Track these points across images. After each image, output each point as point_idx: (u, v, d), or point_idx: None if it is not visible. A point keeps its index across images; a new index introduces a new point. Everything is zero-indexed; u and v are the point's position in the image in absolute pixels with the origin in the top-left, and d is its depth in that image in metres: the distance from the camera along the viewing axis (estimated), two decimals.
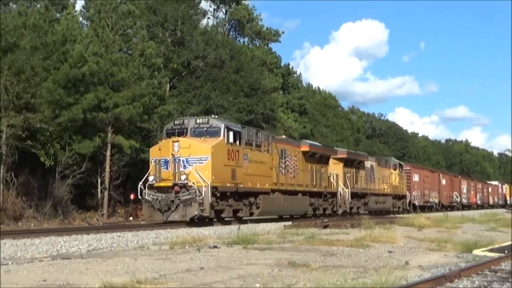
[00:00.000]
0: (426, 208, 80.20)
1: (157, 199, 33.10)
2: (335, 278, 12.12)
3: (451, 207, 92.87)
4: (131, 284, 10.91)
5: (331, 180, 51.22)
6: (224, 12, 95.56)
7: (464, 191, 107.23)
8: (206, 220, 35.16)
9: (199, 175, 32.70)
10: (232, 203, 36.06)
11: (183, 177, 32.81)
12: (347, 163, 54.54)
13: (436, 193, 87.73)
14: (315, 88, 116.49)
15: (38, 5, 73.58)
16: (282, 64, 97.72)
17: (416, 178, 78.06)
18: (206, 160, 33.26)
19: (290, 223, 34.13)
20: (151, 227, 30.17)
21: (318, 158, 48.98)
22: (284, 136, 50.93)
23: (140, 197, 34.51)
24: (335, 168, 52.48)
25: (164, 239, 22.35)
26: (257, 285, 11.17)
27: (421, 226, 31.91)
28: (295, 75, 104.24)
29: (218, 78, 68.98)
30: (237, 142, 36.15)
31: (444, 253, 19.37)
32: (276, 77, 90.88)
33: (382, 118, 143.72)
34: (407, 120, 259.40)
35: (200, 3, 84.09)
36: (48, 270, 13.08)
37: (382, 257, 17.32)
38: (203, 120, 36.02)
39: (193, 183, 32.59)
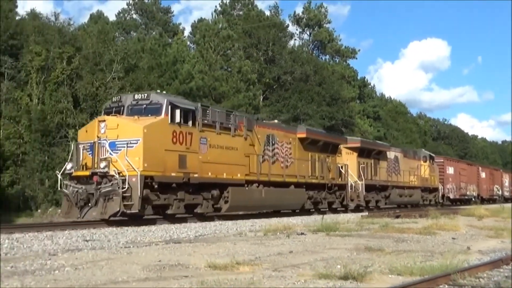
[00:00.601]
0: (462, 201, 67.30)
1: (76, 191, 22.74)
2: (405, 261, 11.94)
3: (492, 200, 79.62)
4: (231, 265, 10.93)
5: (342, 171, 39.99)
6: (308, 34, 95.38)
7: (506, 184, 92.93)
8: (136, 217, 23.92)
9: (128, 161, 22.44)
10: (183, 197, 25.09)
11: (102, 164, 22.58)
12: (363, 153, 43.35)
13: (475, 186, 73.52)
14: (387, 97, 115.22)
15: (154, 32, 74.71)
16: (359, 77, 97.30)
17: (450, 170, 64.48)
18: (136, 143, 22.87)
19: (367, 213, 33.61)
20: (248, 217, 29.95)
21: (322, 147, 37.42)
22: (276, 121, 39.59)
23: (59, 189, 24.74)
24: (348, 159, 41.91)
25: (259, 227, 22.31)
26: (338, 266, 11.07)
27: (480, 216, 31.15)
28: (370, 86, 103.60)
29: (304, 90, 68.91)
30: (189, 123, 25.24)
31: (501, 240, 18.86)
32: (353, 88, 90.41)
33: (446, 122, 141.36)
34: (467, 124, 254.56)
35: (288, 27, 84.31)
36: (163, 252, 13.21)
37: (446, 243, 17.00)
38: (142, 95, 25.60)
39: (116, 172, 22.28)
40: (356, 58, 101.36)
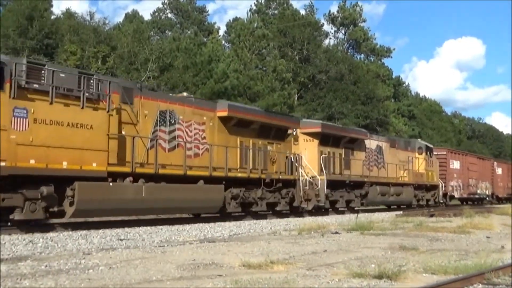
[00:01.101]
0: (472, 201, 58.85)
1: None
2: (440, 260, 11.84)
3: (510, 200, 66.89)
4: (265, 264, 10.91)
5: (294, 162, 30.58)
6: (343, 33, 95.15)
7: None
8: None
9: None
10: None
11: None
12: (326, 140, 34.27)
13: (488, 183, 62.67)
14: (422, 96, 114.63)
15: (189, 32, 75.02)
16: (393, 76, 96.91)
17: (455, 165, 54.28)
18: None
19: (401, 212, 33.46)
20: (282, 216, 29.87)
21: (261, 131, 28.23)
22: (185, 94, 29.39)
23: None
24: (307, 147, 33.35)
25: (293, 226, 22.25)
26: (372, 265, 11.01)
27: None
28: (405, 85, 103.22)
29: (339, 89, 68.76)
30: None
31: None
32: (388, 87, 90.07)
33: (480, 121, 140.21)
34: (502, 123, 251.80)
35: (323, 26, 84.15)
36: (197, 251, 13.22)
37: (481, 242, 16.84)
38: None
39: None
40: (391, 57, 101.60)
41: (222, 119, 25.89)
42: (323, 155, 33.43)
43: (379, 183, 38.66)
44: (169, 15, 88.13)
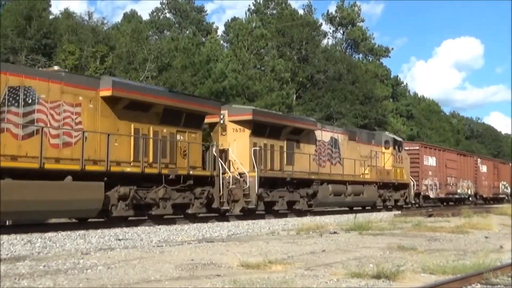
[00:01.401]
0: (451, 201, 54.05)
1: None
2: (438, 260, 11.85)
3: (496, 200, 64.68)
4: (263, 264, 10.91)
5: (217, 156, 25.25)
6: (342, 33, 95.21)
7: None
8: None
9: None
10: None
11: None
12: (261, 130, 28.61)
13: (471, 182, 56.74)
14: (420, 96, 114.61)
15: (187, 31, 75.07)
16: (392, 76, 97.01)
17: (430, 161, 48.13)
18: None
19: (400, 212, 33.49)
20: (281, 216, 29.86)
21: (167, 116, 22.90)
22: (56, 68, 22.80)
23: None
24: (237, 138, 28.07)
25: (291, 225, 22.26)
26: (371, 265, 11.01)
27: None
28: (403, 85, 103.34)
29: (337, 89, 68.80)
30: None
31: None
32: (386, 87, 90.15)
33: (479, 121, 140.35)
34: (501, 122, 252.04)
35: (321, 26, 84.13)
36: (195, 251, 13.22)
37: (479, 242, 16.85)
38: None
39: None
40: (389, 57, 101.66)
41: (107, 100, 20.52)
42: (256, 148, 27.70)
43: (332, 181, 32.94)
44: (168, 15, 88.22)
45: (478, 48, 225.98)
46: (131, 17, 78.03)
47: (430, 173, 47.52)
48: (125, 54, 48.24)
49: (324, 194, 31.87)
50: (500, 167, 68.38)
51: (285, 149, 29.89)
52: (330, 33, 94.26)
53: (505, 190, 68.44)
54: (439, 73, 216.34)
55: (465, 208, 35.29)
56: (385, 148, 40.18)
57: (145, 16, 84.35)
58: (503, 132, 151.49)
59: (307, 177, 30.94)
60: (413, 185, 43.42)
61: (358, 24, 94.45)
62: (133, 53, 48.61)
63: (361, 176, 36.27)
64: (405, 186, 42.42)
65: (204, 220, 24.26)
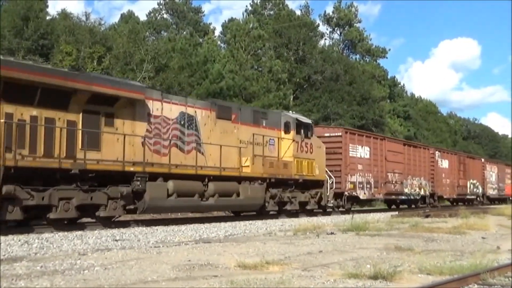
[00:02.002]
0: (394, 203, 46.80)
1: None
2: (435, 261, 11.89)
3: (464, 202, 54.48)
4: (260, 265, 10.93)
5: None
6: (339, 33, 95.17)
7: (492, 179, 64.91)
8: None
9: None
10: None
11: None
12: (23, 93, 18.15)
13: (425, 180, 46.88)
14: (418, 96, 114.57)
15: (184, 32, 75.08)
16: (389, 76, 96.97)
17: (360, 152, 37.91)
18: None
19: (397, 213, 33.38)
20: (277, 216, 29.79)
21: None
22: None
23: None
24: None
25: (288, 226, 22.30)
26: (368, 266, 11.03)
27: (511, 216, 30.88)
28: (400, 86, 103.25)
29: (334, 90, 68.75)
30: None
31: None
32: (383, 88, 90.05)
33: (476, 122, 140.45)
34: (498, 123, 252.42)
35: (318, 26, 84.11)
36: (192, 251, 13.24)
37: (476, 243, 16.88)
38: None
39: None
40: (387, 58, 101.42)
41: None
42: (11, 121, 17.89)
43: (177, 176, 23.45)
44: (165, 15, 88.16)
45: (475, 49, 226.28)
46: (128, 17, 77.95)
47: (360, 167, 37.43)
48: (122, 55, 48.21)
49: (156, 195, 22.31)
50: (469, 162, 58.24)
51: (80, 127, 20.16)
52: (327, 33, 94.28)
53: (475, 190, 58.91)
54: (436, 73, 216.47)
55: (462, 209, 34.73)
56: (285, 132, 29.94)
57: (142, 17, 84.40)
58: (500, 133, 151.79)
59: (121, 169, 21.01)
60: (332, 182, 33.22)
61: (355, 24, 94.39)
62: (130, 53, 48.59)
63: (239, 169, 26.66)
64: (317, 183, 32.33)
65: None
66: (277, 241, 16.05)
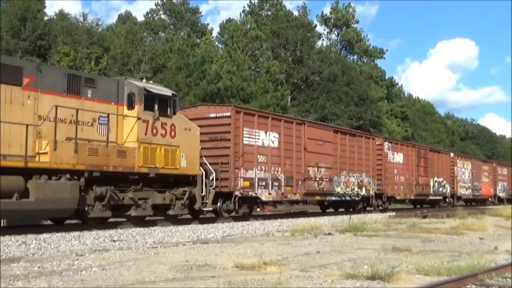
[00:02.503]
0: (321, 206, 38.38)
1: None
2: (433, 261, 11.90)
3: (423, 203, 48.56)
4: (258, 265, 10.94)
5: None
6: (336, 34, 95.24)
7: (465, 177, 55.12)
8: None
9: None
10: None
11: None
12: None
13: (368, 177, 37.79)
14: (415, 97, 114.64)
15: (182, 33, 75.10)
16: (386, 77, 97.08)
17: (265, 140, 28.32)
18: None
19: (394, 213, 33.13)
20: (275, 217, 29.72)
21: None
22: None
23: None
24: None
25: (286, 227, 22.30)
26: (365, 266, 11.04)
27: (508, 216, 30.88)
28: (398, 86, 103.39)
29: (332, 90, 68.79)
30: None
31: None
32: (381, 88, 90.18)
33: (474, 122, 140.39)
34: (495, 124, 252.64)
35: (316, 27, 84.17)
36: (190, 252, 13.24)
37: (474, 243, 16.90)
38: None
39: None
40: (384, 58, 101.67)
41: None
42: None
43: None
44: (162, 16, 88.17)
45: (472, 50, 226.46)
46: (125, 18, 78.02)
47: (261, 159, 28.06)
48: (119, 55, 48.21)
49: None
50: (433, 157, 48.67)
51: None
52: (325, 34, 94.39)
53: (440, 189, 49.56)
54: (434, 74, 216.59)
55: (460, 209, 34.45)
56: (128, 107, 21.31)
57: (140, 17, 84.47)
58: (498, 134, 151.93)
59: None
60: (212, 179, 24.91)
61: (352, 25, 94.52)
62: (127, 54, 48.59)
63: (32, 157, 17.97)
64: (188, 181, 23.67)
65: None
66: (275, 242, 16.04)
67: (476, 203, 60.30)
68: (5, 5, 48.37)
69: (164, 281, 9.40)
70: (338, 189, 33.97)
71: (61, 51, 43.91)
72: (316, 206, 39.12)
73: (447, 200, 50.82)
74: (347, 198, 35.28)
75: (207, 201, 24.60)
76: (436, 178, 47.84)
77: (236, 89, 55.00)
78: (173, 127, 22.62)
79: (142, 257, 12.12)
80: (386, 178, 40.10)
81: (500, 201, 64.17)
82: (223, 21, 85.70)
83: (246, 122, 27.18)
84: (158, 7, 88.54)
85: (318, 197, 33.35)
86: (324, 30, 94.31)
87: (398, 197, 42.43)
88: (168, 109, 22.45)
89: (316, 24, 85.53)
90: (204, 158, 24.82)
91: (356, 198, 36.26)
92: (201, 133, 24.38)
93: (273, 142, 28.85)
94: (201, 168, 24.17)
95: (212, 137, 26.25)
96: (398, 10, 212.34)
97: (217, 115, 26.81)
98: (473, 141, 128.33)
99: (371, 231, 20.17)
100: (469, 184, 56.33)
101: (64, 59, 43.22)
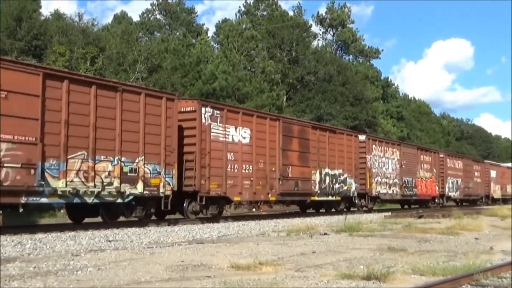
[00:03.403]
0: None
1: None
2: (428, 261, 11.92)
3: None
4: (253, 265, 10.95)
5: None
6: (332, 34, 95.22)
7: (386, 169, 40.70)
8: None
9: None
10: None
11: None
12: None
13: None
14: (411, 97, 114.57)
15: (178, 33, 75.04)
16: (382, 77, 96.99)
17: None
18: None
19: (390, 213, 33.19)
20: (271, 217, 29.74)
21: None
22: None
23: None
24: None
25: (281, 227, 22.34)
26: (361, 266, 11.07)
27: (504, 216, 30.94)
28: (393, 86, 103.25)
29: (327, 90, 68.73)
30: None
31: None
32: (377, 88, 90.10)
33: (469, 122, 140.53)
34: (491, 124, 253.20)
35: (311, 27, 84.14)
36: (185, 252, 13.25)
37: (469, 243, 16.92)
38: None
39: None
40: (380, 58, 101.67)
41: None
42: None
43: None
44: (158, 16, 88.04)
45: (468, 50, 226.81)
46: (121, 18, 77.83)
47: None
48: (115, 55, 48.13)
49: None
50: (318, 138, 33.66)
51: None
52: (320, 34, 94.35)
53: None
54: (429, 74, 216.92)
55: (456, 209, 34.58)
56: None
57: (135, 18, 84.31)
58: (493, 134, 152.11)
59: None
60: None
61: (348, 25, 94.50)
62: (123, 54, 48.51)
63: None
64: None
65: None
66: (270, 242, 16.05)
67: (402, 206, 49.56)
68: (0, 5, 48.30)
69: (160, 281, 9.40)
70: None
71: (56, 51, 43.80)
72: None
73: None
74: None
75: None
76: (327, 170, 34.07)
77: (232, 89, 54.96)
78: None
79: (138, 257, 12.12)
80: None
81: (460, 203, 56.64)
82: (218, 21, 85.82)
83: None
84: (154, 7, 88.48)
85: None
86: (320, 30, 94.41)
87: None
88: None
89: (311, 24, 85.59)
90: None
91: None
92: None
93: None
94: None
95: None
96: (393, 10, 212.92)
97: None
98: (469, 141, 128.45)
99: (366, 231, 20.20)
100: (394, 180, 42.06)
101: (60, 59, 43.12)
